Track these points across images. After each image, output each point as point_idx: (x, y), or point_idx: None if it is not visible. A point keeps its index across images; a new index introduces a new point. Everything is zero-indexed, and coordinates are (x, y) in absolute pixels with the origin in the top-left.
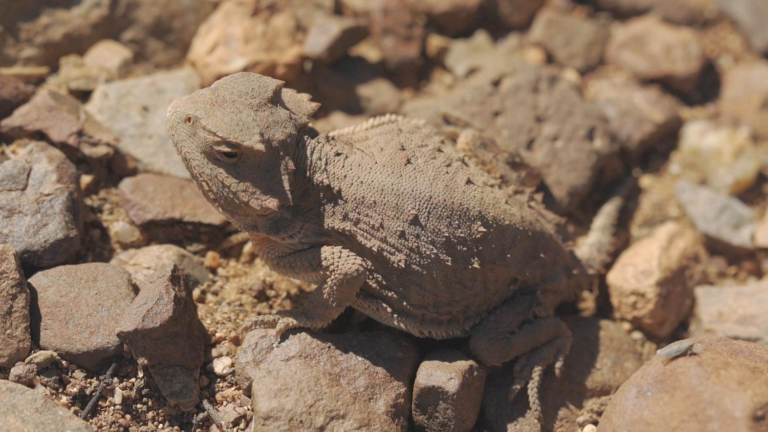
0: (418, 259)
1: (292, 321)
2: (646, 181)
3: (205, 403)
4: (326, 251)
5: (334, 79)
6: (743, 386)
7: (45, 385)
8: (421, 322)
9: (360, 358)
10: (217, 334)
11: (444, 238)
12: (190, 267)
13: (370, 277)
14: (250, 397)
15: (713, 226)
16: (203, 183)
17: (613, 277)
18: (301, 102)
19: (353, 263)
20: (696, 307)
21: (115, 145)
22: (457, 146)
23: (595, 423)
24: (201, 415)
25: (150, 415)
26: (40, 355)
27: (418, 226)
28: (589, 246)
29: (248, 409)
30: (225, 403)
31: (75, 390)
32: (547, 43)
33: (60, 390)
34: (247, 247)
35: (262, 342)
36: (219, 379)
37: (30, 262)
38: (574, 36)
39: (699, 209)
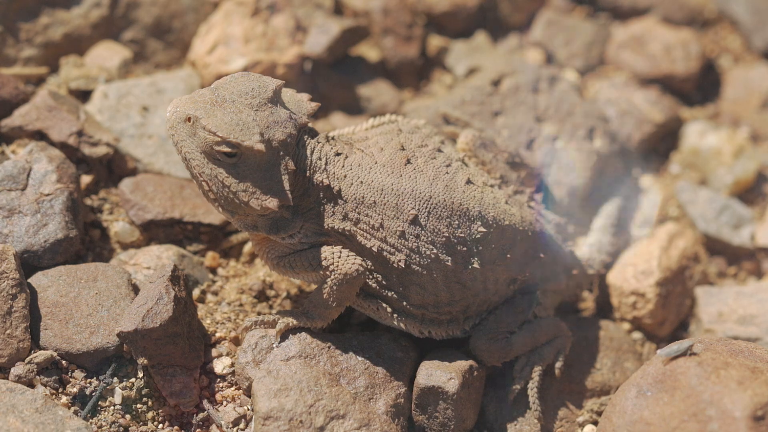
0: (418, 259)
1: (292, 321)
2: (646, 181)
3: (205, 403)
4: (326, 251)
5: (334, 79)
6: (743, 386)
7: (45, 385)
8: (421, 322)
9: (360, 358)
10: (217, 334)
11: (444, 238)
12: (190, 267)
13: (370, 277)
14: (250, 397)
15: (713, 226)
16: (203, 183)
17: (613, 277)
18: (301, 102)
19: (353, 263)
20: (696, 307)
21: (115, 145)
22: (456, 146)
23: (595, 423)
24: (201, 415)
25: (150, 415)
26: (40, 355)
27: (418, 226)
28: (589, 246)
29: (248, 409)
30: (225, 403)
31: (75, 390)
32: (547, 43)
33: (60, 390)
34: (247, 247)
35: (262, 342)
36: (219, 379)
37: (30, 262)
38: (574, 36)
39: (699, 209)
